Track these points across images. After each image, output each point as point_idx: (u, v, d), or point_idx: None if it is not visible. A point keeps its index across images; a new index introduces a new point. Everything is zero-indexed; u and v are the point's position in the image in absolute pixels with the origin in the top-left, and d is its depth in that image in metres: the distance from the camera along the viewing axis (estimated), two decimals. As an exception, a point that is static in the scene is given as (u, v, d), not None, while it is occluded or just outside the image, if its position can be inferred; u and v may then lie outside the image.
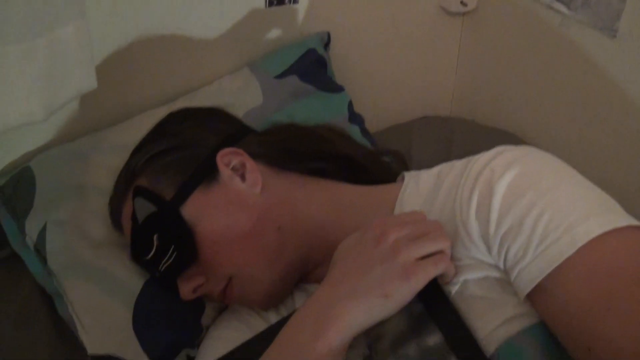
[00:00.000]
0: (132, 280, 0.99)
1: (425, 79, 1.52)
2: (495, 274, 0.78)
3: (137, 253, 0.93)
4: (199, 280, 0.92)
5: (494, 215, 0.76)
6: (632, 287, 0.69)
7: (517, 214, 0.75)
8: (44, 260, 1.03)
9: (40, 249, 1.03)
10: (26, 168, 1.10)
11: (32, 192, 1.07)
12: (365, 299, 0.73)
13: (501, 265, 0.77)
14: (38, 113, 0.97)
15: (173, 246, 0.89)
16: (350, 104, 1.28)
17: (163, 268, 0.91)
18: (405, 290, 0.73)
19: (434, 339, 0.77)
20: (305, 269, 0.95)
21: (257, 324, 0.95)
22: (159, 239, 0.90)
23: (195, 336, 0.99)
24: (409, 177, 0.94)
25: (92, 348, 0.96)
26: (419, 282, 0.74)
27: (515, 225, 0.74)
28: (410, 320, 0.79)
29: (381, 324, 0.77)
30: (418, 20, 1.45)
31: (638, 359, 0.65)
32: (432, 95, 1.53)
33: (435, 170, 0.90)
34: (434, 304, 0.78)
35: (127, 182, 0.95)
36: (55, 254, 1.02)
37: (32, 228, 1.04)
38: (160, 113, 1.06)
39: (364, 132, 1.27)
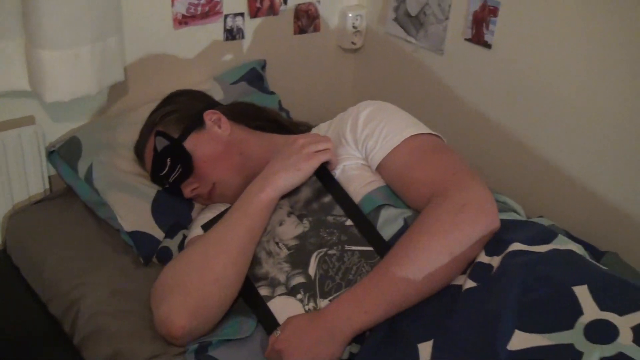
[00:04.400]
0: (149, 190, 1.63)
1: (330, 98, 2.23)
2: (360, 161, 1.46)
3: (155, 172, 1.56)
4: (194, 185, 1.56)
5: (359, 130, 1.45)
6: (430, 155, 1.39)
7: (371, 127, 1.44)
8: (90, 184, 1.66)
9: (88, 178, 1.67)
10: (74, 137, 1.74)
11: (80, 149, 1.71)
12: (287, 171, 1.41)
13: (363, 155, 1.45)
14: (93, 89, 1.64)
15: (179, 165, 1.54)
16: (279, 102, 1.98)
17: (172, 179, 1.55)
18: (309, 167, 1.41)
19: (327, 198, 1.43)
20: None
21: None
22: (170, 161, 1.54)
23: (188, 221, 1.63)
24: (314, 128, 1.63)
25: (126, 227, 1.59)
26: (316, 162, 1.41)
27: (370, 133, 1.44)
28: (314, 191, 1.45)
29: (296, 193, 1.43)
30: (322, 55, 2.17)
31: (430, 185, 1.32)
32: (336, 110, 2.23)
33: (329, 121, 1.59)
34: (326, 180, 1.45)
35: (149, 129, 1.59)
36: (99, 178, 1.66)
37: (82, 167, 1.68)
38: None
39: (289, 118, 1.97)
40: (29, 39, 1.58)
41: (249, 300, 1.39)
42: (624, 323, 1.10)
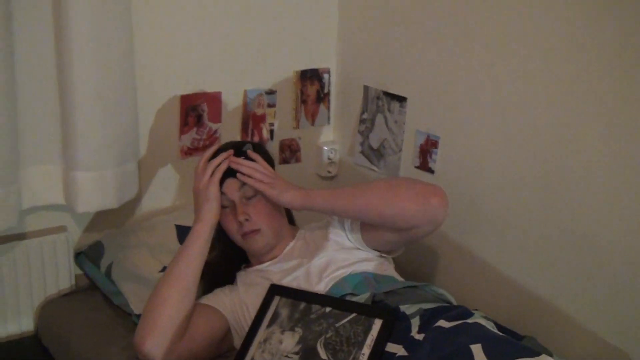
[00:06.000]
0: (154, 279, 2.02)
1: (311, 218, 2.65)
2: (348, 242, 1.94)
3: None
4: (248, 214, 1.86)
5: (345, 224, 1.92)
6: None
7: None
8: (109, 277, 2.08)
9: (108, 272, 2.09)
10: (98, 241, 2.18)
11: (103, 250, 2.15)
12: (203, 207, 1.81)
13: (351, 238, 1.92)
14: (114, 203, 2.09)
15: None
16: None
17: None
18: (214, 191, 1.81)
19: (302, 305, 1.73)
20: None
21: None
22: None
23: None
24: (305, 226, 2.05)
25: (136, 310, 1.99)
26: (215, 184, 1.81)
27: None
28: (289, 306, 1.75)
29: (279, 316, 1.75)
30: (303, 181, 2.60)
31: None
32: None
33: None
34: (293, 294, 1.79)
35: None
36: (116, 273, 2.08)
37: (104, 264, 2.12)
38: (164, 217, 2.20)
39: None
40: (66, 163, 2.04)
41: None
42: None
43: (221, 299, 1.90)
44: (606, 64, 1.77)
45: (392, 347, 1.63)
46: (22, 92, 1.96)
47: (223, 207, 1.87)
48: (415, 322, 1.67)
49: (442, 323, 1.65)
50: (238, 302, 1.89)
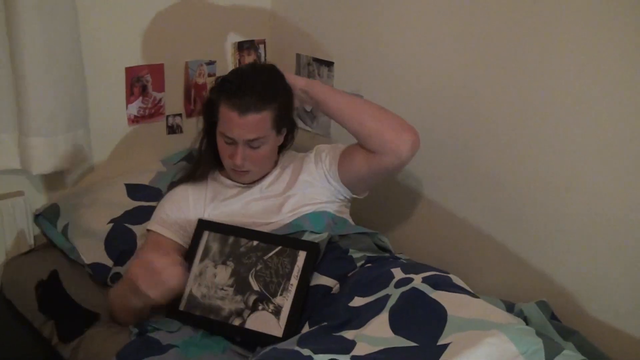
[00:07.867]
0: (102, 233, 2.22)
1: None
2: (319, 183, 2.13)
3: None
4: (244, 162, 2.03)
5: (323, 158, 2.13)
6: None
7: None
8: (65, 235, 2.27)
9: (64, 231, 2.28)
10: (54, 203, 2.37)
11: (58, 211, 2.34)
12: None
13: (327, 176, 2.12)
14: (66, 166, 2.29)
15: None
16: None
17: None
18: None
19: (230, 239, 1.92)
20: None
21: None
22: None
23: (133, 248, 2.19)
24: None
25: (87, 260, 2.18)
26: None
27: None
28: (219, 240, 1.94)
29: (211, 250, 1.94)
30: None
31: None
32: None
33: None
34: (222, 229, 1.99)
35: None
36: (72, 231, 2.27)
37: (60, 224, 2.30)
38: (114, 178, 2.40)
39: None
40: (21, 130, 2.23)
41: (230, 334, 1.83)
42: (417, 277, 1.74)
43: (173, 220, 2.10)
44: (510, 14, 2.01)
45: (330, 282, 1.86)
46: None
47: (225, 142, 2.04)
48: (358, 266, 1.91)
49: (370, 264, 1.90)
50: (201, 204, 2.12)
